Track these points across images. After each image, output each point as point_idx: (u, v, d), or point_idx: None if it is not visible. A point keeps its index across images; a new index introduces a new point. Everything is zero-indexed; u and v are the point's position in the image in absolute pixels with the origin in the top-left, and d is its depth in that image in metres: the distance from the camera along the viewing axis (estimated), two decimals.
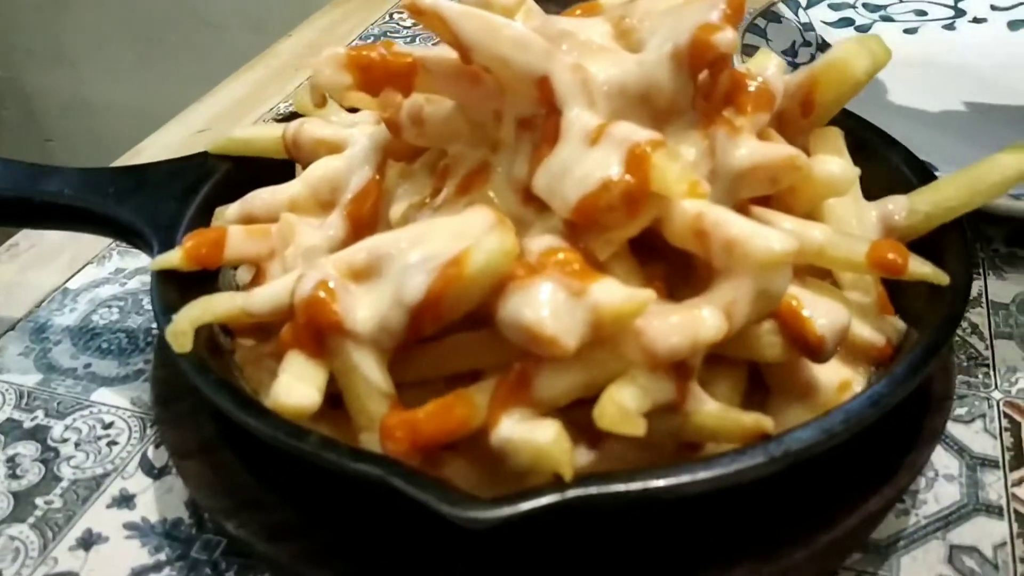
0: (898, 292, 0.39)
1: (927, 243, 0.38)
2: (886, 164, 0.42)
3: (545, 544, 0.32)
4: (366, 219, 0.41)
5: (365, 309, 0.34)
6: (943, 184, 0.38)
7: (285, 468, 0.36)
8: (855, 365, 0.37)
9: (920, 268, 0.35)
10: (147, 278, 0.54)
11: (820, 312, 0.34)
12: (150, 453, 0.44)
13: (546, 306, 0.31)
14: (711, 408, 0.32)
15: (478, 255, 0.31)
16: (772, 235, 0.32)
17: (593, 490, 0.29)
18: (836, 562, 0.35)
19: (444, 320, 0.33)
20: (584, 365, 0.32)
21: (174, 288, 0.39)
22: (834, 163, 0.36)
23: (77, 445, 0.44)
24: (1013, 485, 0.41)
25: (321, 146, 0.44)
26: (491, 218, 0.35)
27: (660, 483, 0.29)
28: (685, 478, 0.29)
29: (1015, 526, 0.39)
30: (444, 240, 0.34)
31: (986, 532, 0.39)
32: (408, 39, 0.82)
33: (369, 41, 0.82)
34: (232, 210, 0.43)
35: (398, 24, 0.85)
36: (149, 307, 0.53)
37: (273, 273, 0.41)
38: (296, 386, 0.34)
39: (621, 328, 0.31)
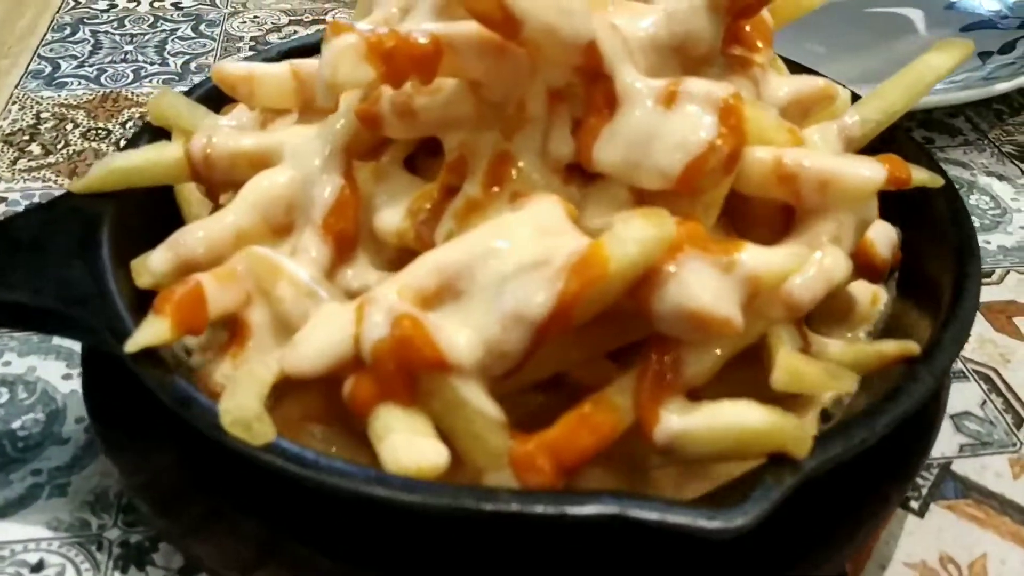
0: None
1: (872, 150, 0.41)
2: None
3: None
4: (350, 235, 0.35)
5: (463, 337, 0.30)
6: (885, 91, 0.41)
7: (397, 545, 0.30)
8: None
9: (918, 174, 0.38)
10: None
11: (877, 234, 0.35)
12: None
13: (708, 288, 0.28)
14: (838, 347, 0.32)
15: (628, 247, 0.28)
16: (862, 165, 0.32)
17: (829, 453, 0.27)
18: None
19: (570, 329, 0.30)
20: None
21: (161, 369, 0.31)
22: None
23: None
24: None
25: (241, 160, 0.37)
26: (559, 207, 0.32)
27: (883, 422, 0.28)
28: (891, 414, 0.29)
29: (981, 384, 0.44)
30: (529, 241, 0.30)
31: (966, 396, 0.43)
32: (115, 22, 0.70)
33: (66, 33, 0.69)
34: (159, 260, 0.35)
35: (91, 8, 0.73)
36: None
37: (258, 324, 0.33)
38: (419, 443, 0.29)
39: (775, 291, 0.30)
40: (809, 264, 0.30)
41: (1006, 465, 0.40)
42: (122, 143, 0.57)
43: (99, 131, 0.59)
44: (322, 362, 0.30)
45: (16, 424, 0.41)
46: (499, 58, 0.32)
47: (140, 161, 0.37)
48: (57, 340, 0.45)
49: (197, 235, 0.35)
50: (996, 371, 0.44)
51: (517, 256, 0.30)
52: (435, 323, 0.30)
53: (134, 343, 0.30)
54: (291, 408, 0.33)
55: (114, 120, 0.60)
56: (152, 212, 0.39)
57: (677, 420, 0.29)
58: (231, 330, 0.34)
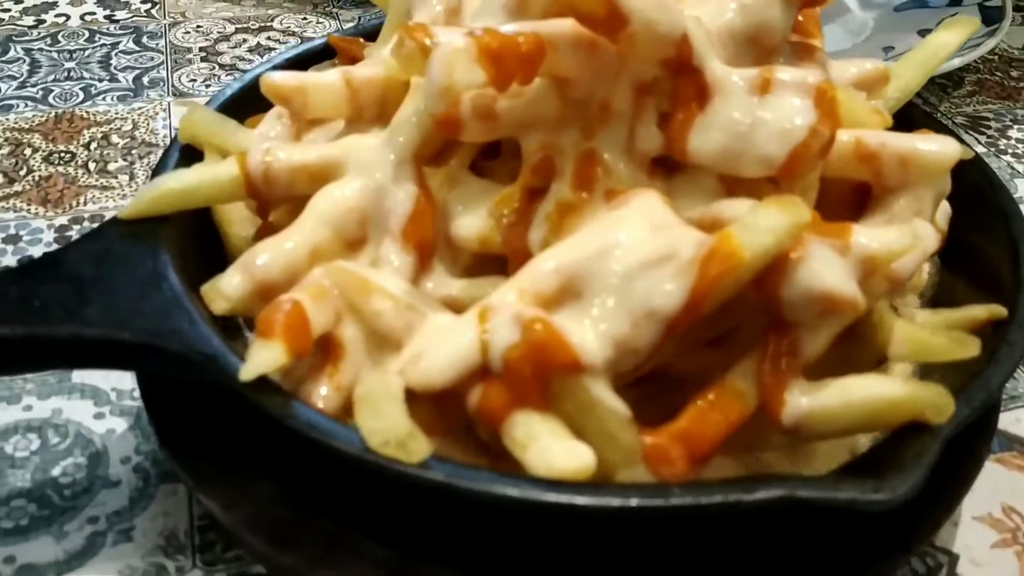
0: None
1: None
2: None
3: None
4: (430, 243, 0.34)
5: (592, 336, 0.30)
6: (902, 71, 0.43)
7: (539, 553, 0.30)
8: None
9: None
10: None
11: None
12: None
13: (834, 272, 0.29)
14: (926, 315, 0.34)
15: (763, 236, 0.28)
16: (936, 141, 0.33)
17: (960, 417, 0.29)
18: None
19: (696, 322, 0.30)
20: None
21: (281, 396, 0.29)
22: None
23: None
24: None
25: (302, 174, 0.35)
26: (661, 201, 0.32)
27: (995, 384, 0.30)
28: (1001, 376, 0.30)
29: None
30: (647, 236, 0.30)
31: None
32: (48, 39, 0.66)
33: None
34: (234, 284, 0.33)
35: (17, 25, 0.68)
36: (18, 453, 0.39)
37: (351, 341, 0.32)
38: (568, 446, 0.28)
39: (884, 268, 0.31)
40: None
41: None
42: (91, 164, 0.54)
43: (62, 154, 0.55)
44: (450, 373, 0.29)
45: (56, 471, 0.38)
46: (591, 55, 0.32)
47: (194, 181, 0.35)
48: (77, 377, 0.42)
49: (269, 256, 0.34)
50: None
51: (638, 252, 0.30)
52: (562, 325, 0.30)
53: (250, 371, 0.29)
54: None
55: (75, 142, 0.56)
56: (197, 233, 0.37)
57: (805, 400, 0.30)
58: (324, 349, 0.32)
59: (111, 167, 0.54)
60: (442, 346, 0.30)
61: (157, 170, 0.38)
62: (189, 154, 0.39)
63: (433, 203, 0.34)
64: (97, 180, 0.53)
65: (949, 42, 0.43)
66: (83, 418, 0.40)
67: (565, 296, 0.30)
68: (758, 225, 0.29)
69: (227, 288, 0.33)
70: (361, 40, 0.44)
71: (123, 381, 0.42)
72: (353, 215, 0.34)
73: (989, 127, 0.62)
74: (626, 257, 0.30)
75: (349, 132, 0.37)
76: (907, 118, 0.42)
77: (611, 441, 0.30)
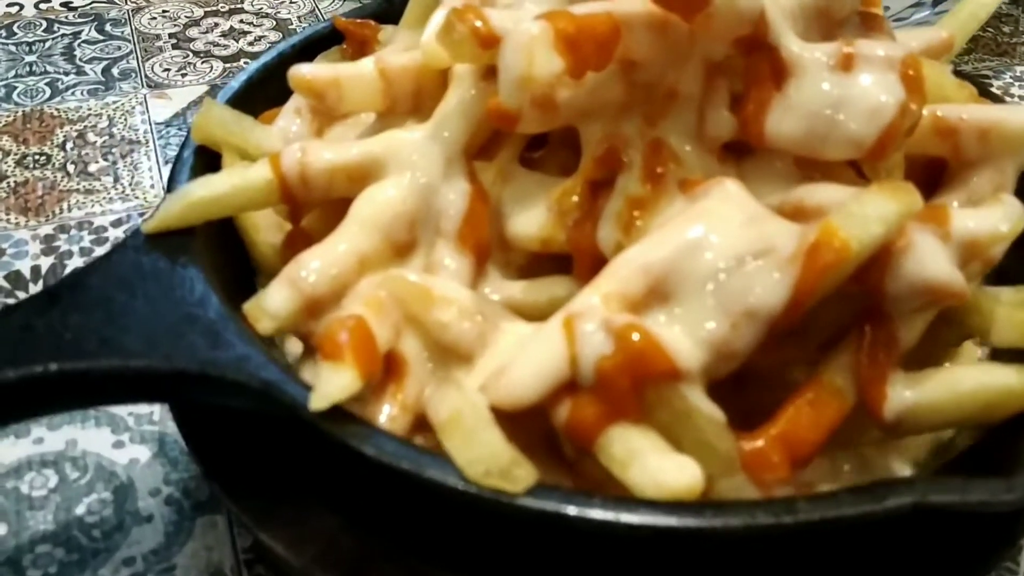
0: None
1: None
2: None
3: None
4: (487, 244, 0.32)
5: (686, 339, 0.28)
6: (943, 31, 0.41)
7: None
8: None
9: None
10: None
11: None
12: None
13: (940, 261, 0.28)
14: (1010, 294, 0.32)
15: (872, 226, 0.26)
16: (1015, 110, 0.32)
17: None
18: None
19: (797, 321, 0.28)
20: None
21: (356, 425, 0.27)
22: None
23: None
24: None
25: (341, 175, 0.32)
26: (744, 191, 0.30)
27: None
28: None
29: None
30: (739, 230, 0.28)
31: None
32: (2, 31, 0.62)
33: None
34: (282, 301, 0.30)
35: None
36: (36, 491, 0.35)
37: (414, 356, 0.30)
38: (678, 461, 0.26)
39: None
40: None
41: None
42: (70, 166, 0.51)
43: (36, 157, 0.51)
44: (538, 389, 0.27)
45: (81, 510, 0.35)
46: (662, 35, 0.29)
47: (225, 188, 0.32)
48: None
49: (316, 267, 0.31)
50: None
51: (731, 247, 0.28)
52: (656, 330, 0.27)
53: (322, 400, 0.26)
54: None
55: (49, 142, 0.52)
56: (223, 243, 0.34)
57: (909, 394, 0.28)
58: (384, 366, 0.30)
59: (92, 168, 0.51)
60: (527, 359, 0.27)
61: (173, 176, 0.35)
62: (205, 155, 0.36)
63: (487, 201, 0.32)
64: (79, 183, 0.50)
65: (987, 1, 0.41)
66: (102, 448, 0.37)
67: (653, 298, 0.28)
68: (866, 214, 0.27)
69: (273, 305, 0.30)
70: (373, 23, 0.41)
71: (140, 405, 0.39)
72: (402, 218, 0.32)
73: (991, 85, 0.61)
74: (718, 253, 0.28)
75: (381, 127, 0.35)
76: None
77: (710, 451, 0.28)
